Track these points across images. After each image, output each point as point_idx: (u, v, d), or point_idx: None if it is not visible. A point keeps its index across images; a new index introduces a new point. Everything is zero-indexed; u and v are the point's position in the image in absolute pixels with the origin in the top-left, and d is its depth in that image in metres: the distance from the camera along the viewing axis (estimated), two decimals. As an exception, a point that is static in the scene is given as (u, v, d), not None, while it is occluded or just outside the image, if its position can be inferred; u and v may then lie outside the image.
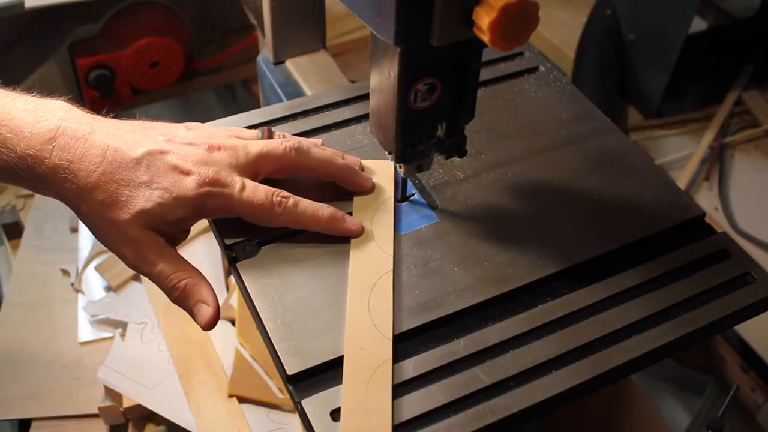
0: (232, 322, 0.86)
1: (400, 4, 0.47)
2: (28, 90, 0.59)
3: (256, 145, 0.60)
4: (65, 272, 0.93)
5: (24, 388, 0.82)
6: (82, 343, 0.86)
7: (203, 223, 0.65)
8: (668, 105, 1.18)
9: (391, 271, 0.59)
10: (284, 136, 0.65)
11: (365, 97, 0.71)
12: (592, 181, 0.66)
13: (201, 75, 1.21)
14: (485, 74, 0.75)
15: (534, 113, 0.73)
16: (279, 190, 0.59)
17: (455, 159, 0.65)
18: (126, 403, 0.79)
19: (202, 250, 0.92)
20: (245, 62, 1.21)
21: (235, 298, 0.87)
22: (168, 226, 0.57)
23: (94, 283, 0.92)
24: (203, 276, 0.58)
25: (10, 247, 0.97)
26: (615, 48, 1.20)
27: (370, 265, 0.59)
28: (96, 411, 0.79)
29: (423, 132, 0.59)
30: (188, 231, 0.61)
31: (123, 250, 0.57)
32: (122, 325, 0.87)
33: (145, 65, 1.10)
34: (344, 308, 0.56)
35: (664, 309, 0.57)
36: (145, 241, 0.56)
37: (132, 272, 0.91)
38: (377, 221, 0.62)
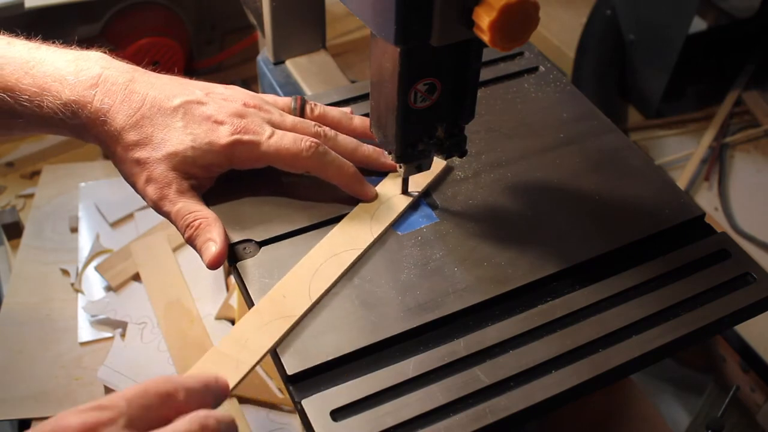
0: (232, 322, 0.86)
1: (400, 4, 0.47)
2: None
3: (291, 118, 0.63)
4: (65, 272, 0.93)
5: (24, 388, 0.82)
6: (82, 343, 0.86)
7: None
8: (668, 105, 1.18)
9: (361, 250, 0.60)
10: (315, 106, 0.67)
11: (365, 97, 0.71)
12: (592, 181, 0.66)
13: (201, 75, 1.21)
14: (485, 74, 0.75)
15: (534, 113, 0.73)
16: (308, 137, 0.61)
17: (455, 159, 0.65)
18: (126, 403, 0.79)
19: (202, 250, 0.92)
20: (245, 62, 1.21)
21: (235, 298, 0.87)
22: (198, 170, 0.60)
23: (94, 283, 0.92)
24: (219, 220, 0.60)
25: (10, 247, 0.97)
26: (615, 48, 1.20)
27: (350, 237, 0.60)
28: (96, 411, 0.79)
29: (423, 132, 0.59)
30: (214, 179, 0.63)
31: (147, 188, 0.59)
32: (122, 325, 0.87)
33: (145, 65, 1.09)
34: (344, 309, 0.56)
35: (664, 309, 0.57)
36: (169, 180, 0.59)
37: (132, 272, 0.91)
38: (389, 205, 0.63)
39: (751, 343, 0.88)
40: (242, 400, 0.79)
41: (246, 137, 0.59)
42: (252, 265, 0.59)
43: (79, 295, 0.91)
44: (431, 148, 0.60)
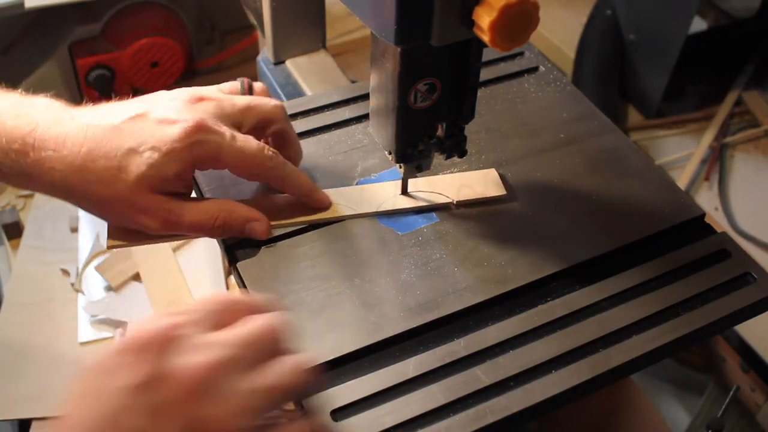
0: (232, 322, 0.86)
1: (400, 4, 0.47)
2: (27, 90, 0.59)
3: (242, 98, 0.61)
4: (65, 272, 0.93)
5: (24, 388, 0.82)
6: (82, 343, 0.86)
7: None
8: (668, 105, 1.18)
9: (356, 213, 0.62)
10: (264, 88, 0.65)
11: (365, 97, 0.71)
12: (592, 181, 0.66)
13: (201, 75, 1.21)
14: (485, 74, 0.75)
15: (534, 113, 0.73)
16: (268, 146, 0.59)
17: (455, 159, 0.64)
18: (126, 403, 0.79)
19: (202, 250, 0.92)
20: (245, 62, 1.21)
21: (235, 298, 0.87)
22: (167, 184, 0.56)
23: (94, 283, 0.91)
24: (229, 200, 0.59)
25: (10, 247, 0.97)
26: (615, 48, 1.20)
27: (359, 200, 0.63)
28: (96, 411, 0.79)
29: (423, 132, 0.59)
30: (191, 185, 0.60)
31: (143, 220, 0.56)
32: (122, 325, 0.87)
33: (145, 65, 1.10)
34: (344, 309, 0.56)
35: (664, 309, 0.57)
36: (158, 204, 0.56)
37: (132, 272, 0.91)
38: (413, 195, 0.64)
39: (751, 343, 0.88)
40: (242, 400, 0.79)
41: (204, 136, 0.55)
42: (252, 265, 0.59)
43: (79, 295, 0.90)
44: (431, 148, 0.60)
